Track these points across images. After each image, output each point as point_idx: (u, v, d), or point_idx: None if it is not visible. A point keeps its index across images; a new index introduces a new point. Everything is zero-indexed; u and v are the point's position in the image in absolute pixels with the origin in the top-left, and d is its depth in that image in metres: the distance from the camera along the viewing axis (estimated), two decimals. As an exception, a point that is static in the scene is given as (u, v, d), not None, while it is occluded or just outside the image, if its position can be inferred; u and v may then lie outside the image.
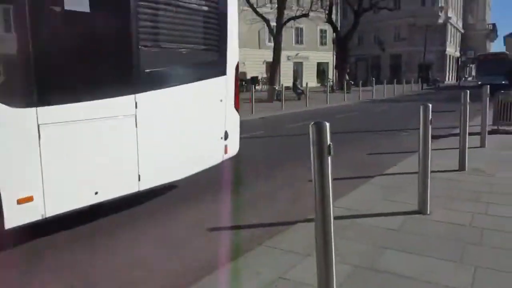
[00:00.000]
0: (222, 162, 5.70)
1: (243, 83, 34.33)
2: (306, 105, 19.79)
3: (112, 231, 4.23)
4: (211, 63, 5.44)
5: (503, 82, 26.96)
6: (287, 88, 23.62)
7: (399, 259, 3.24)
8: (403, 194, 4.92)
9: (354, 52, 47.45)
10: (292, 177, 6.38)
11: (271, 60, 27.34)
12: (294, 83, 26.59)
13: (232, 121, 5.84)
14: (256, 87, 31.70)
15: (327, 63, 43.10)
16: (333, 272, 2.58)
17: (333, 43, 37.01)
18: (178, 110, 4.81)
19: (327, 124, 2.47)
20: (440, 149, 7.50)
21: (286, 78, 32.39)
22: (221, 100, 5.52)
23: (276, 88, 23.65)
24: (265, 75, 36.14)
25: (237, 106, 5.99)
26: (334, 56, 37.75)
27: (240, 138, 10.44)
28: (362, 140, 9.98)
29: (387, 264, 3.16)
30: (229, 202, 5.22)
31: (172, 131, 4.75)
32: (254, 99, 17.18)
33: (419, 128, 4.19)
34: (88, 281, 3.30)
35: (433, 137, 5.51)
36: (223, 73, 5.59)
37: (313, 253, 2.81)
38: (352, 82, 34.26)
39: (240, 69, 25.75)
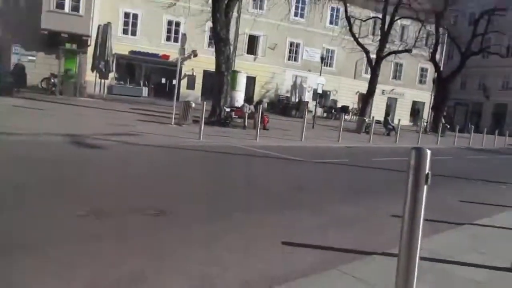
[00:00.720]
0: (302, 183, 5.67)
1: (332, 110, 34.20)
2: (395, 142, 19.10)
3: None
4: None
5: None
6: (377, 122, 23.05)
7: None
8: (493, 248, 4.53)
9: (454, 96, 44.92)
10: (373, 208, 6.18)
11: (364, 91, 26.97)
12: (385, 118, 25.87)
13: None
14: (346, 117, 31.38)
15: (423, 103, 41.38)
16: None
17: (433, 83, 35.49)
18: None
19: (429, 152, 2.39)
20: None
21: (377, 112, 31.64)
22: None
23: (366, 120, 23.18)
24: (356, 106, 35.65)
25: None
26: (432, 97, 36.15)
27: (324, 162, 10.47)
28: (454, 185, 9.37)
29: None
30: (309, 221, 5.17)
31: None
32: (342, 128, 16.97)
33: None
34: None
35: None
36: None
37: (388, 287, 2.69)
38: (448, 126, 32.45)
39: (332, 97, 26.19)
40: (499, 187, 9.72)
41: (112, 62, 25.11)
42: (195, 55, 29.72)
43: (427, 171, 2.38)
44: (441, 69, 36.00)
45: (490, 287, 3.50)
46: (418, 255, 2.52)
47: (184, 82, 30.20)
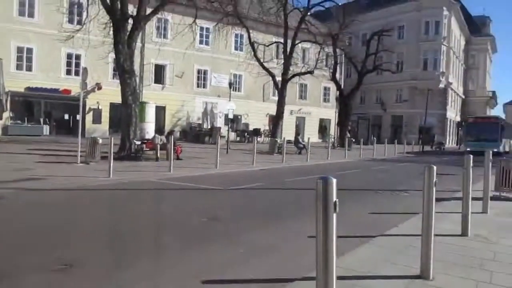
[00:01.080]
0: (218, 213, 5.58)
1: (245, 134, 34.72)
2: (307, 160, 19.80)
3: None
4: None
5: (495, 150, 24.25)
6: (288, 141, 23.78)
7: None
8: (404, 257, 4.79)
9: (356, 111, 48.22)
10: (290, 231, 6.25)
11: (274, 113, 27.79)
12: (296, 137, 26.81)
13: None
14: (258, 139, 32.01)
15: (329, 119, 43.70)
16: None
17: (336, 100, 37.73)
18: None
19: (334, 180, 2.44)
20: (442, 212, 7.41)
21: (288, 132, 32.72)
22: None
23: (278, 141, 23.82)
24: (267, 128, 36.57)
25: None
26: (337, 113, 38.34)
27: (239, 189, 10.47)
28: (363, 198, 9.88)
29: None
30: (228, 254, 5.06)
31: None
32: (256, 150, 17.23)
33: (423, 190, 4.14)
34: None
35: (436, 199, 5.44)
36: None
37: (312, 314, 2.68)
38: (353, 140, 34.57)
39: (244, 121, 26.48)
40: (403, 195, 10.43)
41: (6, 100, 23.19)
42: (100, 88, 28.57)
43: (334, 199, 2.43)
44: (342, 87, 38.47)
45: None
46: (335, 279, 2.54)
47: (89, 117, 28.79)
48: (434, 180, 4.11)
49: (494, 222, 6.97)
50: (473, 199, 6.57)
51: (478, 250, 5.21)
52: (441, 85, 50.44)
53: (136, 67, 23.63)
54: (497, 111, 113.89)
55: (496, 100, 78.32)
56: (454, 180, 12.17)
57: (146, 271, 4.38)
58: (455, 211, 6.95)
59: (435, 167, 4.16)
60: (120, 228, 6.26)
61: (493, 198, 8.85)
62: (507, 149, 35.21)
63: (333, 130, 42.19)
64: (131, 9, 17.90)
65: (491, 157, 7.54)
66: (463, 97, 65.44)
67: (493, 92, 73.50)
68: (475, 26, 66.22)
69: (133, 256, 4.87)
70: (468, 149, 29.42)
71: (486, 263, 4.66)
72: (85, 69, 14.72)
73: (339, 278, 3.81)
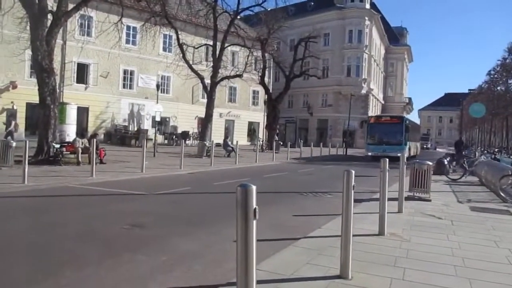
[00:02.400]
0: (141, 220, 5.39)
1: (173, 137, 34.11)
2: (236, 163, 19.88)
3: None
4: None
5: (398, 154, 22.92)
6: (217, 144, 23.73)
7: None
8: (326, 258, 4.95)
9: (284, 114, 49.41)
10: (215, 236, 6.21)
11: (203, 116, 27.59)
12: (224, 140, 26.83)
13: None
14: (187, 142, 31.56)
15: (258, 123, 44.26)
16: None
17: (265, 104, 38.32)
18: None
19: (254, 187, 2.45)
20: (362, 213, 7.78)
21: (217, 135, 32.67)
22: None
23: (207, 144, 23.68)
24: (196, 130, 36.23)
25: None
26: (265, 117, 38.94)
27: (165, 194, 10.23)
28: (288, 201, 10.10)
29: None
30: (150, 263, 4.90)
31: None
32: (184, 153, 16.97)
33: (342, 193, 4.30)
34: None
35: (356, 201, 5.69)
36: None
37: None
38: (281, 143, 35.32)
39: (172, 123, 26.04)
40: (326, 197, 10.81)
41: None
42: (15, 87, 26.56)
43: (254, 206, 2.43)
44: (270, 91, 39.19)
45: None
46: (255, 283, 2.54)
47: (2, 118, 26.67)
48: (353, 184, 4.29)
49: (407, 221, 7.44)
50: (390, 199, 6.97)
51: (393, 248, 5.52)
52: (363, 91, 53.20)
53: (56, 65, 22.31)
54: (413, 116, 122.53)
55: (412, 105, 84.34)
56: (375, 181, 12.86)
57: (63, 283, 4.11)
58: (374, 211, 7.31)
59: (353, 172, 4.34)
60: (34, 240, 5.84)
61: (408, 198, 9.47)
62: (412, 153, 32.09)
63: (261, 133, 42.78)
64: (51, 4, 16.87)
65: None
66: (383, 102, 69.54)
67: (409, 99, 79.09)
68: (394, 36, 70.83)
69: (44, 270, 4.55)
70: (369, 153, 28.05)
71: (399, 261, 4.95)
72: (-4, 67, 13.61)
73: (261, 282, 3.86)
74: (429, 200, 9.85)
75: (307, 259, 4.89)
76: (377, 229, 6.35)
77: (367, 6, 54.66)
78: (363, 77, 53.61)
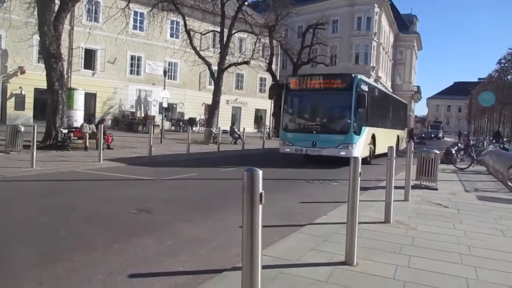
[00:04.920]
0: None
1: (180, 123, 34.18)
2: (242, 150, 19.90)
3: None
4: None
5: (342, 153, 14.01)
6: (224, 131, 23.75)
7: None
8: (331, 244, 4.96)
9: (291, 102, 49.08)
10: (222, 222, 6.25)
11: (210, 102, 27.59)
12: (231, 127, 26.84)
13: None
14: (194, 128, 31.62)
15: (265, 110, 44.18)
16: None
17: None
18: None
19: (260, 172, 2.45)
20: (368, 200, 7.78)
21: (224, 122, 32.67)
22: None
23: (213, 130, 23.71)
24: (203, 117, 36.25)
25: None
26: (272, 104, 38.84)
27: (173, 179, 10.29)
28: (293, 188, 10.11)
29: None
30: (157, 247, 4.95)
31: None
32: (191, 140, 17.02)
33: (348, 180, 4.30)
34: None
35: (362, 188, 5.68)
36: None
37: (238, 305, 2.69)
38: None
39: (179, 109, 25.97)
40: (332, 185, 10.81)
41: None
42: (23, 72, 26.69)
43: (260, 190, 2.44)
44: (278, 78, 38.98)
45: (330, 284, 3.77)
46: (260, 268, 2.56)
47: (11, 103, 26.85)
48: (359, 171, 4.28)
49: (413, 209, 7.43)
50: (396, 187, 6.95)
51: (398, 236, 5.52)
52: (371, 79, 52.54)
53: (64, 51, 22.34)
54: (421, 104, 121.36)
55: (421, 94, 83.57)
56: (381, 169, 12.81)
57: (70, 267, 4.17)
58: (380, 199, 7.30)
59: (360, 158, 4.32)
60: (39, 222, 5.91)
61: (414, 187, 9.45)
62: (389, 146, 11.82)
63: (268, 120, 42.71)
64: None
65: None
66: (391, 90, 69.01)
67: (418, 87, 78.32)
68: (403, 24, 69.86)
69: (51, 253, 4.61)
70: (286, 149, 15.26)
71: (405, 248, 4.95)
72: (4, 51, 13.72)
73: (266, 267, 3.88)
74: (436, 189, 9.82)
75: (312, 245, 4.91)
76: (383, 217, 6.35)
77: (377, -8, 53.90)
78: (372, 64, 53.13)
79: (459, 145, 21.64)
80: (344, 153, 13.70)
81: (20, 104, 27.27)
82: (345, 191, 4.51)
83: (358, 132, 14.47)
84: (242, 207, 2.47)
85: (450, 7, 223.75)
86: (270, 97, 20.57)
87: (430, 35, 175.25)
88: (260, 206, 2.45)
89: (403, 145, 22.99)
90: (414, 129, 78.46)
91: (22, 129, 13.43)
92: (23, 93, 27.00)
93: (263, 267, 2.78)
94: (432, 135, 63.15)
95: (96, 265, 4.25)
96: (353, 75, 14.72)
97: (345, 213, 4.41)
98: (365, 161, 14.52)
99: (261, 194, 2.43)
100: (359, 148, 14.52)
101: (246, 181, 2.42)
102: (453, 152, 16.32)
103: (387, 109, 20.29)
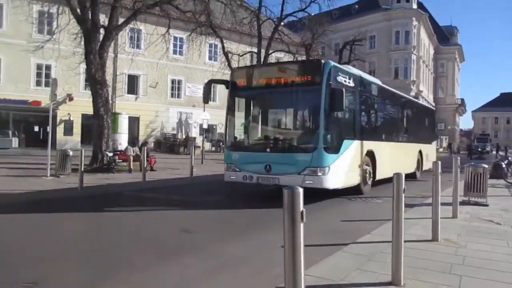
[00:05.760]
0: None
1: (220, 143, 34.58)
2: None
3: None
4: None
5: (308, 182, 9.14)
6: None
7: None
8: (376, 264, 4.82)
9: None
10: (263, 240, 6.22)
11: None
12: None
13: None
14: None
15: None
16: None
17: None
18: None
19: (301, 190, 2.44)
20: (414, 218, 7.52)
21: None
22: None
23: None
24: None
25: None
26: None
27: (215, 199, 10.37)
28: (334, 206, 9.93)
29: None
30: (199, 267, 4.99)
31: None
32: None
33: (392, 197, 4.19)
34: None
35: (407, 205, 5.51)
36: None
37: (282, 326, 2.65)
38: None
39: (219, 130, 25.90)
40: (375, 202, 10.55)
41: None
42: (71, 99, 28.05)
43: (301, 208, 2.42)
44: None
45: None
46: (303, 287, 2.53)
47: (60, 129, 28.19)
48: (403, 187, 4.16)
49: (463, 226, 7.11)
50: (443, 204, 6.69)
51: (448, 254, 5.29)
52: (412, 93, 51.57)
53: (108, 77, 23.30)
54: (466, 118, 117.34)
55: (465, 107, 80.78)
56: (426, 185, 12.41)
57: (118, 285, 4.28)
58: (426, 217, 7.05)
59: (403, 174, 4.21)
60: (89, 243, 6.10)
61: (463, 203, 9.06)
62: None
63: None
64: (103, 19, 17.71)
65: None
66: (434, 104, 67.15)
67: (462, 100, 75.79)
68: (443, 36, 68.33)
69: (98, 273, 4.74)
70: (231, 176, 10.42)
71: (455, 268, 4.73)
72: (54, 80, 14.45)
73: (310, 287, 3.81)
74: (486, 205, 9.37)
75: (356, 265, 4.78)
76: (430, 235, 6.11)
77: (414, 6, 53.11)
78: (412, 79, 52.09)
79: (510, 158, 20.55)
80: (311, 182, 9.08)
81: (68, 129, 28.58)
82: (388, 208, 4.39)
83: (335, 149, 9.59)
84: (283, 225, 2.46)
85: (492, 15, 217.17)
86: (204, 101, 11.47)
87: (473, 45, 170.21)
88: (302, 225, 2.43)
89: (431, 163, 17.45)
90: (460, 143, 75.69)
91: (71, 153, 14.06)
92: (71, 119, 28.33)
93: (307, 287, 2.75)
94: (479, 149, 59.03)
95: (138, 284, 4.33)
96: (322, 61, 9.62)
97: (390, 232, 4.28)
98: (358, 190, 11.01)
99: (302, 212, 2.42)
100: (338, 172, 9.66)
101: (286, 199, 2.42)
102: (503, 166, 15.58)
103: (397, 115, 15.25)
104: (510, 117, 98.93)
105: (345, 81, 10.27)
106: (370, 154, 11.52)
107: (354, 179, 10.68)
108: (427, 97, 60.98)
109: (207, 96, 11.23)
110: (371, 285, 4.13)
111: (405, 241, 4.39)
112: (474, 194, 9.66)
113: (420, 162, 16.68)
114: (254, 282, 4.46)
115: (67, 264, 5.05)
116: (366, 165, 11.32)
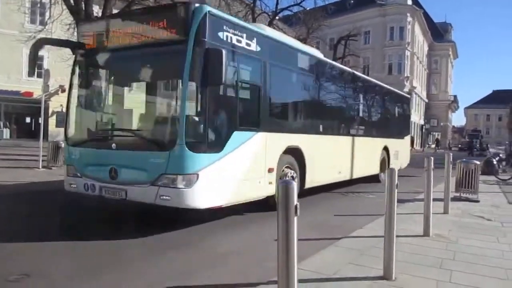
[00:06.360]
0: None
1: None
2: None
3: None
4: None
5: (165, 198, 5.86)
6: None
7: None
8: (368, 258, 4.85)
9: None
10: (257, 234, 6.24)
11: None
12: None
13: None
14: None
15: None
16: None
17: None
18: None
19: (294, 184, 2.44)
20: (406, 213, 7.58)
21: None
22: None
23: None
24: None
25: None
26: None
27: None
28: (327, 200, 9.99)
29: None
30: (189, 259, 5.00)
31: None
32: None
33: (385, 192, 4.21)
34: None
35: (399, 201, 5.55)
36: None
37: (274, 319, 2.66)
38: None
39: None
40: (367, 197, 10.61)
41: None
42: (63, 91, 27.78)
43: (295, 202, 2.43)
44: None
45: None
46: (296, 282, 2.54)
47: (53, 120, 27.98)
48: (396, 183, 4.18)
49: (454, 222, 7.17)
50: (435, 200, 6.74)
51: (439, 250, 5.34)
52: (406, 89, 51.81)
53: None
54: (458, 114, 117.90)
55: (458, 103, 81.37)
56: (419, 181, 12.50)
57: (116, 278, 4.28)
58: (418, 212, 7.10)
59: (396, 170, 4.23)
60: (78, 233, 6.09)
61: (454, 199, 9.14)
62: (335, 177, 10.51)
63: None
64: (96, 10, 17.52)
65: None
66: (427, 101, 67.47)
67: (455, 96, 76.37)
68: (438, 32, 68.58)
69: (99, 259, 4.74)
70: (72, 185, 7.03)
71: (446, 263, 4.78)
72: (47, 71, 14.33)
73: (303, 281, 3.83)
74: (477, 201, 9.46)
75: (349, 259, 4.81)
76: (421, 230, 6.16)
77: (409, 2, 53.24)
78: (405, 74, 52.30)
79: (501, 155, 20.75)
80: (167, 197, 5.79)
81: (60, 121, 28.32)
82: (381, 203, 4.42)
83: (212, 145, 6.12)
84: (277, 219, 2.46)
85: (486, 14, 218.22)
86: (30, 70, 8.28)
87: (466, 43, 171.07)
88: (296, 219, 2.44)
89: (402, 163, 15.46)
90: (452, 139, 76.19)
91: (63, 145, 13.93)
92: (63, 110, 28.10)
93: (300, 281, 2.76)
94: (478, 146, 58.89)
95: (136, 277, 4.33)
96: (192, 6, 6.02)
97: (382, 226, 4.31)
98: (267, 205, 7.57)
99: (296, 206, 2.42)
100: (219, 182, 6.21)
101: (280, 193, 2.42)
102: (495, 162, 15.73)
103: (348, 101, 11.48)
104: (502, 114, 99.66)
105: (236, 40, 6.67)
106: (296, 153, 8.37)
107: (258, 190, 7.28)
108: (420, 93, 61.28)
109: (33, 65, 7.46)
110: (363, 279, 4.16)
111: (397, 236, 4.42)
112: (466, 190, 9.75)
113: (386, 161, 13.63)
114: (248, 275, 4.48)
115: (57, 256, 5.03)
116: (287, 167, 8.15)
